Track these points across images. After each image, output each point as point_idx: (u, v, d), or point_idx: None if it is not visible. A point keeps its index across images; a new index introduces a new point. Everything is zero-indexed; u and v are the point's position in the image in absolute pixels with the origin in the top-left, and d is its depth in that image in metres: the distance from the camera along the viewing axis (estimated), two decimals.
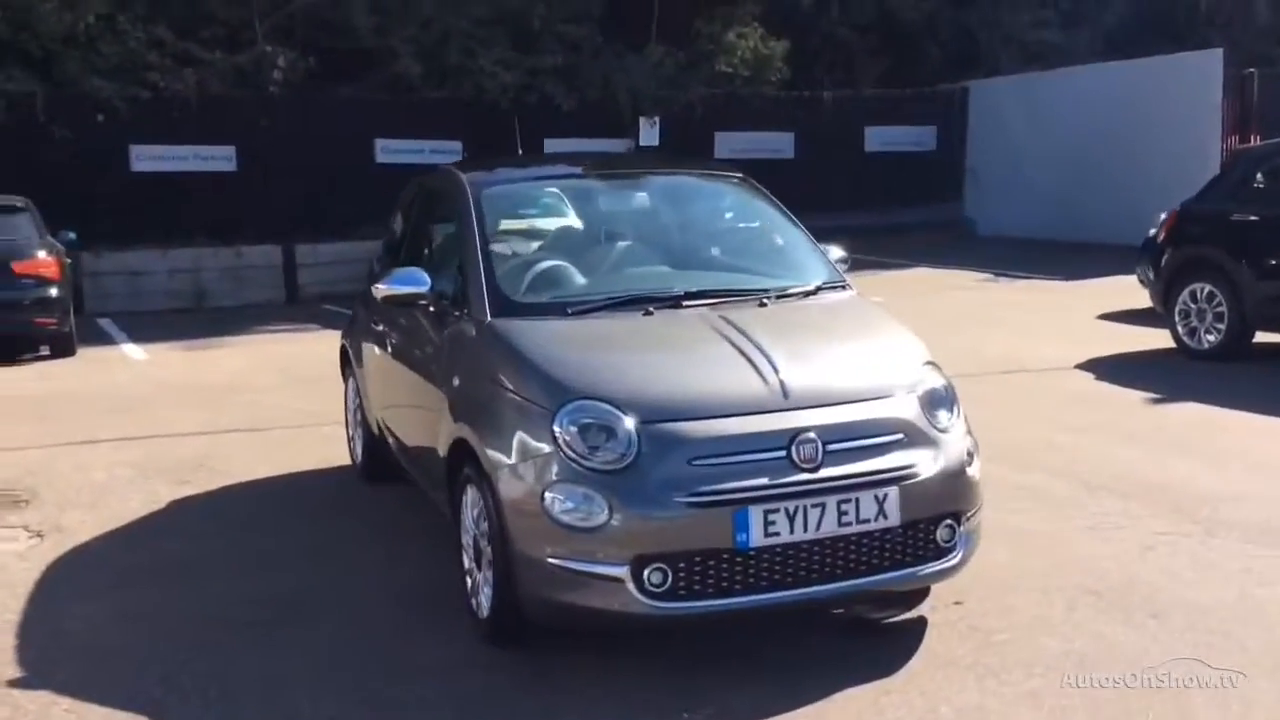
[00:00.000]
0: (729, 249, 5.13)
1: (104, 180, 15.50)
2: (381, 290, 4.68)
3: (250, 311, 14.68)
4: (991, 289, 15.12)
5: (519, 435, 3.83)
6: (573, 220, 5.37)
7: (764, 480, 3.67)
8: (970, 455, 4.11)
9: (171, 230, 15.70)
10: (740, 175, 5.52)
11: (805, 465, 3.72)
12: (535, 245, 5.00)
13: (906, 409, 3.99)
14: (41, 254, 11.21)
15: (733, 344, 4.06)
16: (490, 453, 3.90)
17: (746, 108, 20.21)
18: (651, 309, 4.34)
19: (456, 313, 4.49)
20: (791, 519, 3.68)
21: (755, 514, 3.63)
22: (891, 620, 4.24)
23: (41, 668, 3.99)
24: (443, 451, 4.30)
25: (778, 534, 3.67)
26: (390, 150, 17.13)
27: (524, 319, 4.28)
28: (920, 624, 4.21)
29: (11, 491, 6.27)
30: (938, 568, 3.98)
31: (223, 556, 5.15)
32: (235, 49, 16.66)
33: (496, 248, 4.68)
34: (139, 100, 15.61)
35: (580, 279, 4.65)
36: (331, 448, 6.80)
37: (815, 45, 22.30)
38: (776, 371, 3.93)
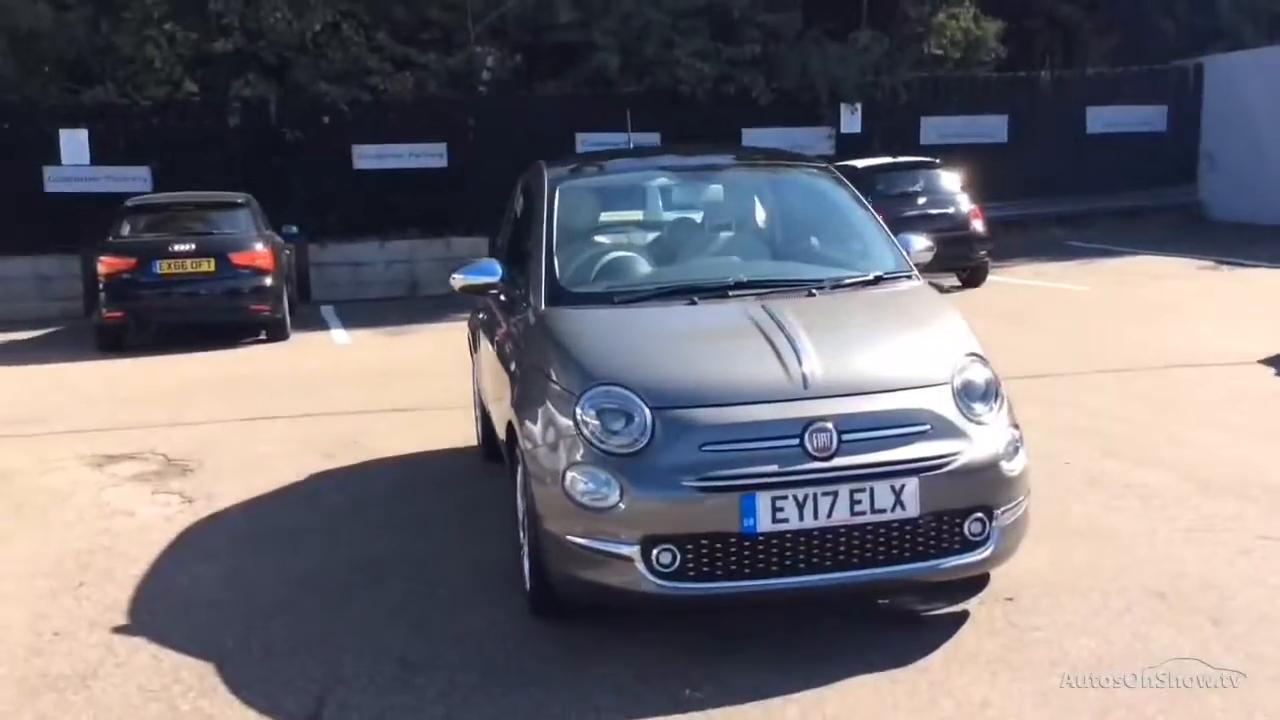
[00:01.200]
0: (796, 239, 5.18)
1: (329, 178, 16.69)
2: (456, 280, 5.00)
3: (456, 299, 15.48)
4: (1208, 278, 14.26)
5: (549, 417, 4.05)
6: (651, 213, 5.53)
7: (773, 467, 3.75)
8: (1010, 449, 4.04)
9: (389, 223, 16.75)
10: (821, 165, 5.54)
11: (819, 454, 3.77)
12: (618, 237, 5.20)
13: (935, 400, 3.97)
14: (258, 246, 12.24)
15: (764, 334, 4.14)
16: (525, 433, 4.15)
17: (956, 91, 19.71)
18: (696, 299, 4.47)
19: (524, 302, 4.75)
20: (801, 506, 3.74)
21: (762, 500, 3.72)
22: (932, 612, 4.24)
23: (142, 618, 4.50)
24: (501, 434, 4.57)
25: (786, 520, 3.74)
26: (590, 144, 17.60)
27: (574, 308, 4.50)
28: (960, 618, 4.18)
29: (183, 461, 6.98)
30: (964, 561, 3.95)
31: (334, 525, 5.61)
32: (450, 51, 17.57)
33: (571, 239, 4.91)
34: (360, 102, 16.71)
35: (643, 269, 4.82)
36: (474, 428, 7.22)
37: (1035, 25, 21.44)
38: (800, 361, 3.99)
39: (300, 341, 12.36)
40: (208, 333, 12.08)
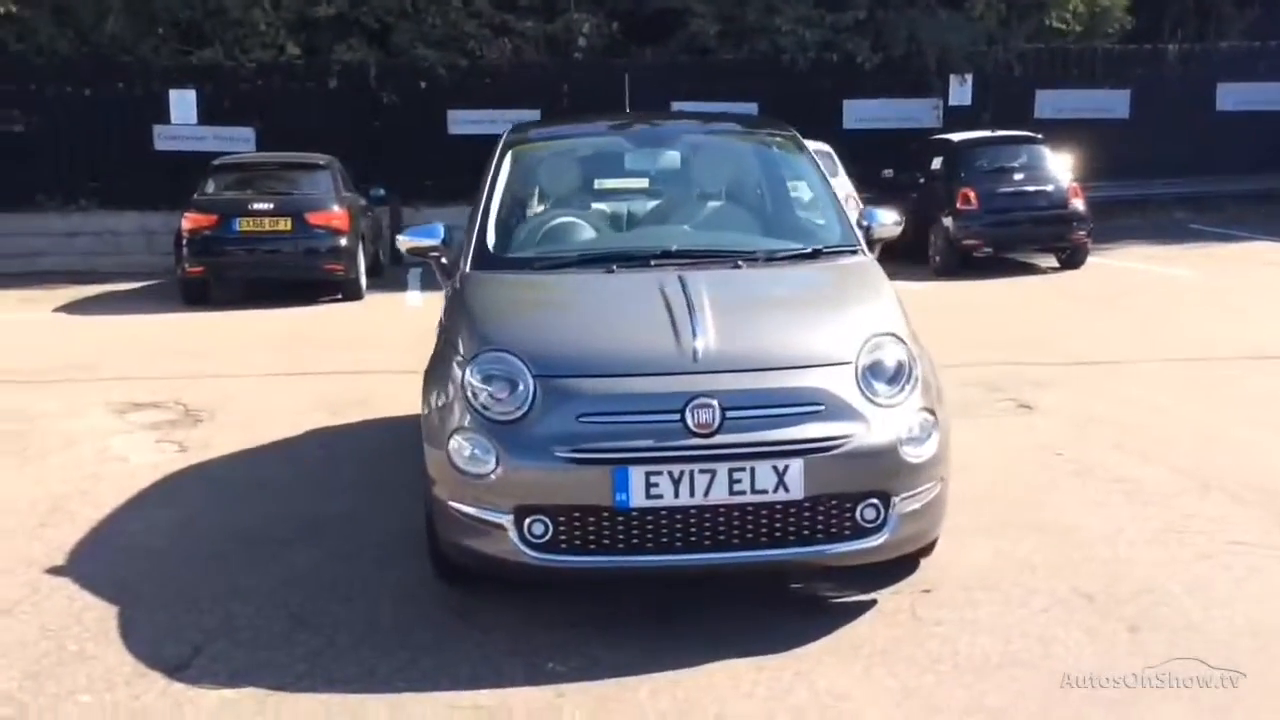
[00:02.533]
0: (745, 209, 5.02)
1: (424, 141, 16.92)
2: (401, 241, 5.00)
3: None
4: None
5: (444, 382, 4.03)
6: (604, 179, 5.42)
7: (649, 442, 3.65)
8: (917, 433, 3.84)
9: (476, 188, 16.89)
10: (786, 134, 5.34)
11: (699, 430, 3.65)
12: (566, 203, 5.11)
13: (832, 380, 3.80)
14: (334, 207, 12.52)
15: (667, 305, 4.02)
16: (424, 396, 4.14)
17: (1075, 64, 18.88)
18: (615, 268, 4.37)
19: (455, 266, 4.72)
20: (676, 483, 3.63)
21: (636, 474, 3.62)
22: (838, 599, 4.09)
23: (79, 561, 4.65)
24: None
25: (660, 496, 3.64)
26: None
27: (494, 272, 4.46)
28: (866, 607, 4.02)
29: (199, 412, 7.20)
30: (854, 547, 3.79)
31: (300, 482, 5.70)
32: (549, 18, 17.59)
33: (514, 204, 4.87)
34: (457, 68, 16.88)
35: (581, 236, 4.75)
36: None
37: None
38: (695, 334, 3.86)
39: (374, 302, 12.61)
40: (289, 289, 12.41)
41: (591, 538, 3.71)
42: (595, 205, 5.11)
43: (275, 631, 3.94)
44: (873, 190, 16.04)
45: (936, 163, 14.89)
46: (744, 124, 5.99)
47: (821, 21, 17.49)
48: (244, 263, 12.39)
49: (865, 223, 4.95)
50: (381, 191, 14.63)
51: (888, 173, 16.09)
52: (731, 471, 3.64)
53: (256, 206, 12.30)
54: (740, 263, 4.41)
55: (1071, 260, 14.09)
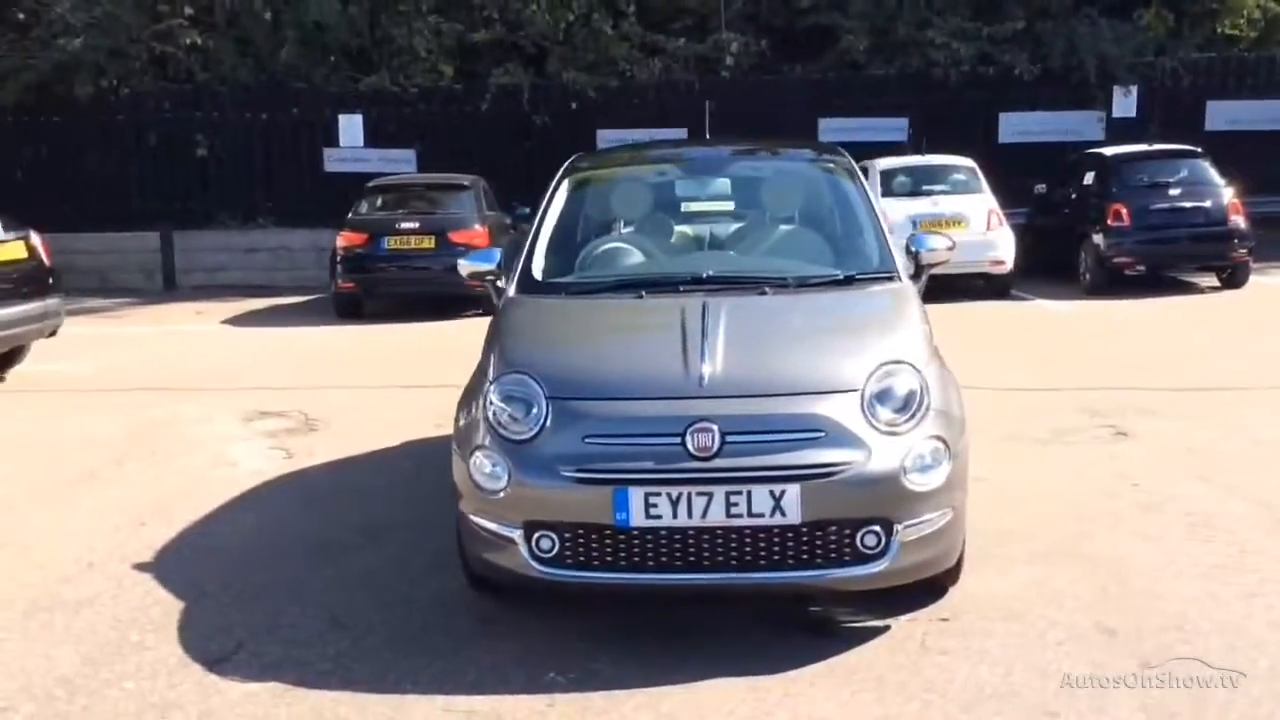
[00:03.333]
0: (785, 235, 5.06)
1: None
2: (462, 266, 5.24)
3: None
4: None
5: (472, 401, 4.24)
6: (656, 206, 5.55)
7: (649, 464, 3.77)
8: (922, 461, 3.84)
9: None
10: (839, 159, 5.35)
11: (699, 453, 3.76)
12: (618, 229, 5.28)
13: (835, 407, 3.84)
14: (476, 226, 13.04)
15: (684, 330, 4.13)
16: (457, 413, 4.36)
17: (1250, 73, 17.93)
18: (644, 293, 4.51)
19: (505, 290, 4.95)
20: (675, 504, 3.75)
21: (635, 495, 3.76)
22: (851, 623, 4.12)
23: (165, 559, 5.06)
24: None
25: (659, 517, 3.76)
26: (833, 129, 17.37)
27: (535, 296, 4.66)
28: (879, 632, 4.04)
29: (316, 421, 7.66)
30: (854, 573, 3.82)
31: (381, 491, 6.02)
32: (701, 37, 17.80)
33: (566, 229, 5.06)
34: (606, 89, 17.26)
35: (625, 261, 4.90)
36: None
37: None
38: (703, 360, 3.97)
39: None
40: (435, 304, 12.97)
41: (595, 555, 3.85)
42: (641, 232, 5.25)
43: (312, 631, 4.23)
44: (1025, 206, 15.69)
45: (1088, 177, 14.44)
46: (798, 150, 6.03)
47: (978, 34, 17.15)
48: (392, 279, 13.03)
49: (914, 249, 4.95)
50: (526, 210, 15.09)
51: (1040, 188, 15.68)
52: (729, 495, 3.73)
53: (403, 226, 12.95)
54: (767, 289, 4.49)
55: (1232, 280, 13.46)
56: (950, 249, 5.01)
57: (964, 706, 3.52)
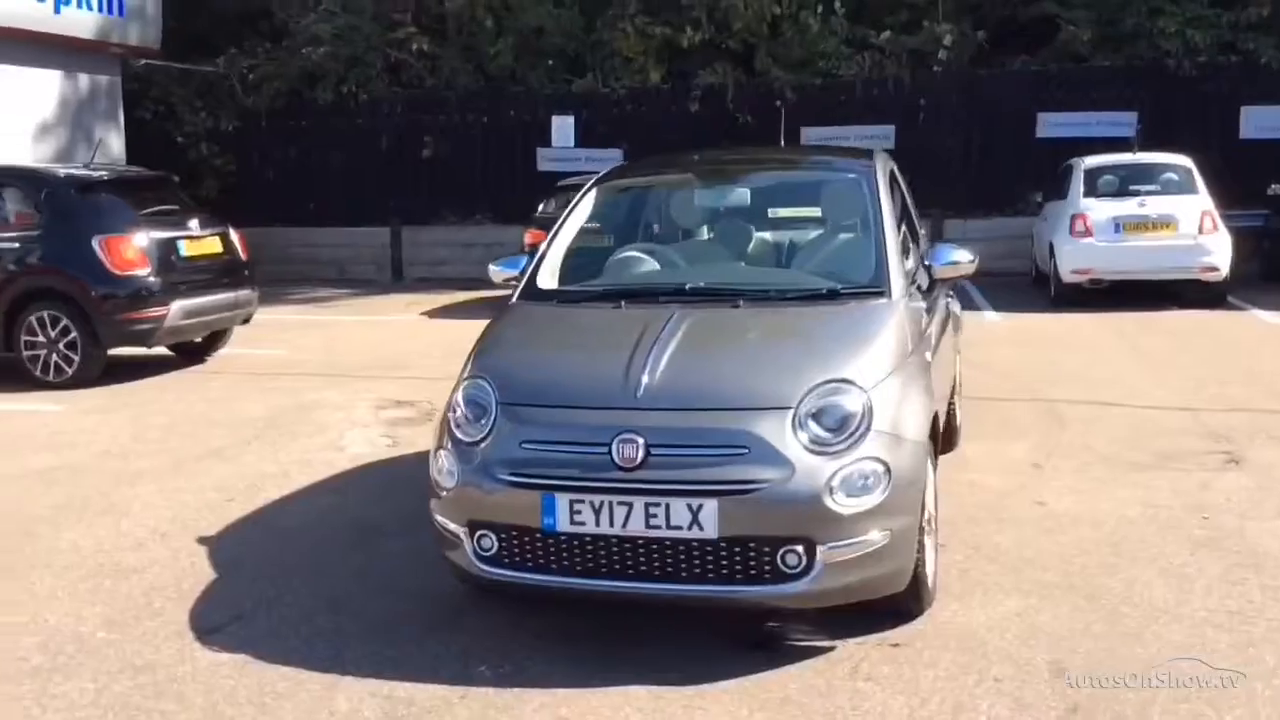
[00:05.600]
0: (784, 247, 4.99)
1: None
2: (493, 271, 5.44)
3: None
4: None
5: (447, 402, 4.46)
6: (674, 217, 5.55)
7: (575, 471, 3.88)
8: (852, 483, 3.76)
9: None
10: (862, 168, 5.17)
11: (623, 464, 3.83)
12: (636, 239, 5.35)
13: (763, 424, 3.81)
14: None
15: (640, 341, 4.18)
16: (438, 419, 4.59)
17: None
18: (624, 303, 4.58)
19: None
20: (597, 512, 3.83)
21: (561, 501, 3.86)
22: (799, 641, 4.07)
23: (228, 534, 5.54)
24: None
25: (583, 524, 3.85)
26: (1053, 124, 16.56)
27: (529, 303, 4.82)
28: (819, 653, 3.98)
29: (434, 411, 8.04)
30: (773, 591, 3.80)
31: None
32: (914, 29, 17.34)
33: (584, 238, 5.19)
34: (809, 87, 17.11)
35: (621, 271, 4.99)
36: None
37: None
38: (645, 372, 4.02)
39: None
40: None
41: (528, 556, 3.99)
42: (656, 241, 5.31)
43: (305, 609, 4.56)
44: (1263, 207, 14.46)
45: None
46: (825, 158, 5.89)
47: (1216, 21, 15.91)
48: None
49: (927, 262, 4.79)
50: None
51: (1276, 188, 14.42)
52: (648, 506, 3.79)
53: None
54: (741, 302, 4.47)
55: None
56: (972, 263, 4.82)
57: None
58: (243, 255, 10.75)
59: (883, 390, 3.98)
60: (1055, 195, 13.89)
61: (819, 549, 3.75)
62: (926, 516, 4.21)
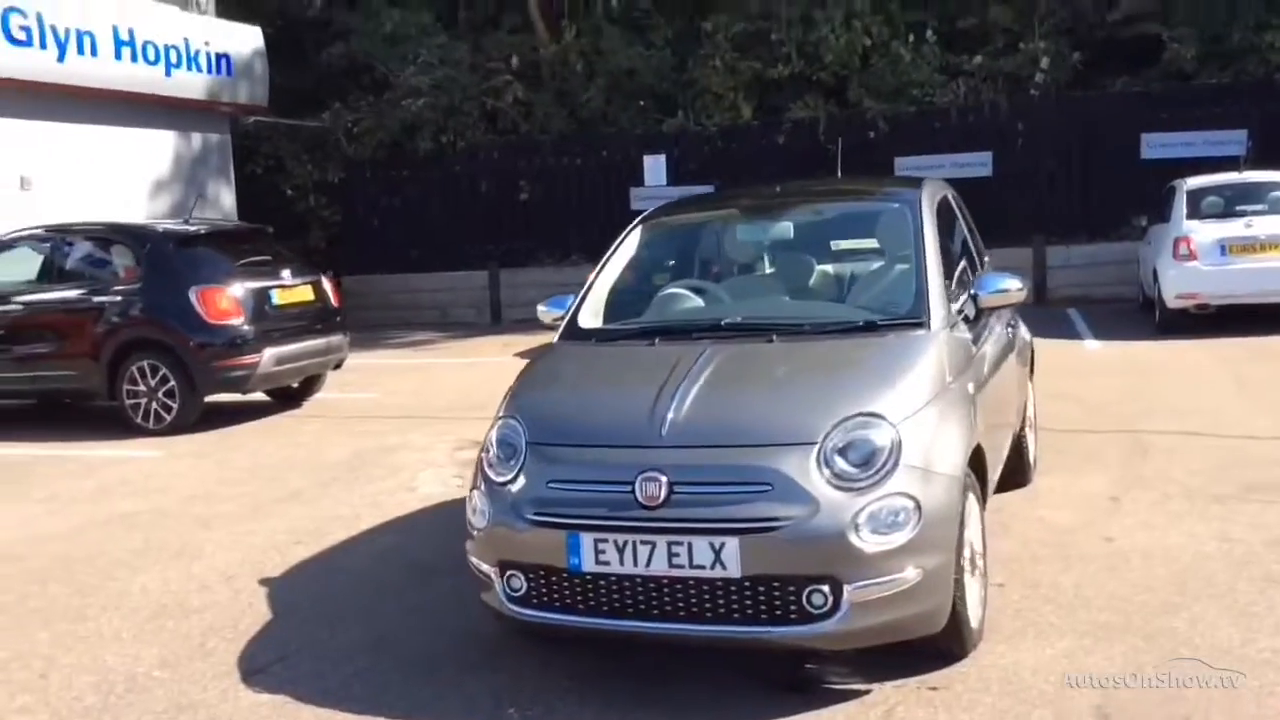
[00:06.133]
0: (826, 279, 4.89)
1: None
2: (541, 313, 5.45)
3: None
4: None
5: (482, 445, 4.48)
6: (716, 252, 5.49)
7: (600, 510, 3.85)
8: (878, 520, 3.66)
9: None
10: (909, 196, 5.04)
11: (647, 503, 3.79)
12: (679, 276, 5.33)
13: (788, 460, 3.74)
14: None
15: (669, 378, 4.14)
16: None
17: None
18: (657, 340, 4.56)
19: None
20: (621, 551, 3.80)
21: (586, 540, 3.84)
22: (837, 685, 3.96)
23: (290, 575, 5.67)
24: None
25: (608, 563, 3.82)
26: (1158, 145, 16.06)
27: (569, 342, 4.84)
28: (851, 695, 3.87)
29: None
30: (799, 631, 3.70)
31: None
32: (1007, 54, 17.04)
33: (628, 275, 5.19)
34: (902, 115, 16.92)
35: (660, 309, 4.97)
36: None
37: None
38: (670, 409, 3.98)
39: None
40: None
41: (555, 596, 3.97)
42: (700, 278, 5.27)
43: (349, 650, 4.61)
44: None
45: None
46: (870, 189, 5.78)
47: None
48: None
49: (974, 291, 4.67)
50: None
51: None
52: (670, 545, 3.74)
53: None
54: (775, 337, 4.41)
55: None
56: (1021, 290, 4.68)
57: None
58: (334, 303, 11.03)
59: (914, 423, 3.88)
60: (1159, 218, 13.45)
61: (846, 588, 3.65)
62: (969, 554, 4.07)
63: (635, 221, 5.54)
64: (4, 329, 10.39)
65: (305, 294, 10.71)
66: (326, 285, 11.03)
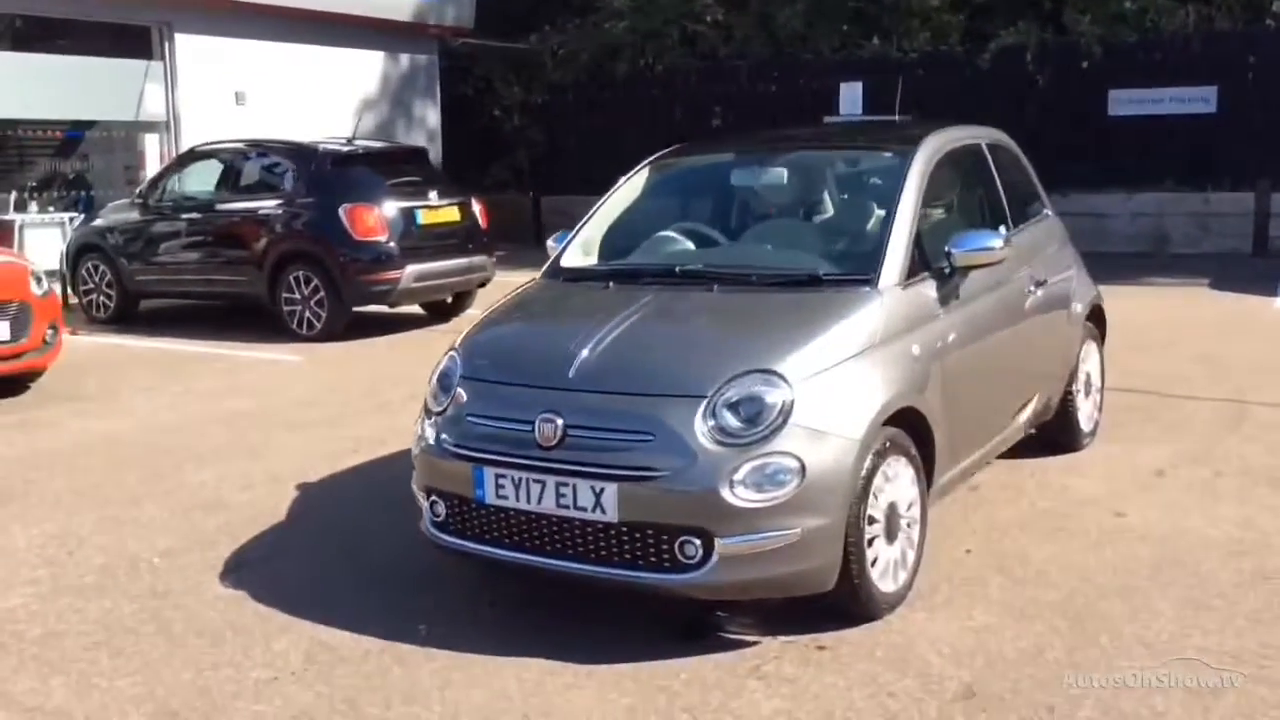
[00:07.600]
0: (798, 229, 4.72)
1: (1081, 124, 16.09)
2: (550, 247, 5.51)
3: (1199, 261, 14.07)
4: None
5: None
6: (708, 197, 5.36)
7: (502, 446, 3.97)
8: (762, 477, 3.62)
9: (1142, 174, 15.68)
10: (907, 151, 4.75)
11: (542, 443, 3.88)
12: (671, 219, 5.26)
13: (673, 412, 3.74)
14: None
15: (597, 322, 4.17)
16: None
17: None
18: (611, 284, 4.57)
19: None
20: (517, 487, 3.91)
21: (489, 474, 3.97)
22: (733, 634, 3.96)
23: (325, 484, 6.05)
24: None
25: (506, 498, 3.94)
26: None
27: (544, 280, 4.91)
28: (738, 645, 3.87)
29: None
30: (668, 579, 3.74)
31: None
32: None
33: (623, 217, 5.20)
34: (1120, 45, 15.73)
35: (656, 251, 4.96)
36: None
37: None
38: (584, 353, 4.02)
39: None
40: None
41: (466, 525, 4.13)
42: (684, 224, 5.19)
43: (323, 558, 4.92)
44: None
45: None
46: (876, 138, 5.48)
47: None
48: None
49: (947, 248, 4.45)
50: None
51: None
52: (558, 486, 3.82)
53: None
54: (716, 287, 4.36)
55: None
56: (1002, 249, 4.42)
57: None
58: (482, 224, 11.42)
59: (817, 383, 3.79)
60: None
61: (717, 541, 3.64)
62: (883, 517, 3.94)
63: (642, 164, 5.51)
64: (188, 235, 11.35)
65: (451, 214, 11.14)
66: (475, 207, 11.42)
